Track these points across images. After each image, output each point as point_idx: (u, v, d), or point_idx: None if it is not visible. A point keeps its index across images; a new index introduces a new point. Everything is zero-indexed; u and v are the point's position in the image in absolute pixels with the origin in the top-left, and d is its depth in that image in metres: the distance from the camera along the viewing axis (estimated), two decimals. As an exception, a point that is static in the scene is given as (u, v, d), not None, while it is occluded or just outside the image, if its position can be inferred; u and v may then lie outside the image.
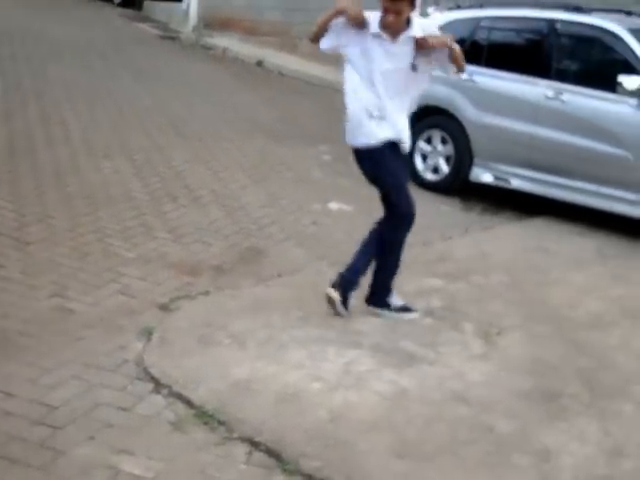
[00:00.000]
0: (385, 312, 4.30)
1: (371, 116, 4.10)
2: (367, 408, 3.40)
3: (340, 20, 4.07)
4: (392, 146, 4.17)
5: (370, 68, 4.07)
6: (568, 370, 3.92)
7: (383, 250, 4.26)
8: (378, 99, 4.09)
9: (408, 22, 4.07)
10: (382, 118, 4.11)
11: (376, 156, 4.15)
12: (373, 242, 4.28)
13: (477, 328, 4.28)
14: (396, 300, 4.34)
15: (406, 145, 4.25)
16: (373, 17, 4.08)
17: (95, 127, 7.81)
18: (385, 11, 4.01)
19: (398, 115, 4.17)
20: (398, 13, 3.99)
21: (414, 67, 4.12)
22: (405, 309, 4.34)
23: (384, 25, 4.04)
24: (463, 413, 3.42)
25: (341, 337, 4.01)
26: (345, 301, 4.21)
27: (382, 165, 4.15)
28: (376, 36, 4.06)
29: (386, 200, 4.23)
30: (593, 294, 4.98)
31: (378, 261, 4.30)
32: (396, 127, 4.16)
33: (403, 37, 4.08)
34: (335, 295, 4.19)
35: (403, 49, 4.10)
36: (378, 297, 4.33)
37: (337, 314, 4.20)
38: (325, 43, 4.15)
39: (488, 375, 3.81)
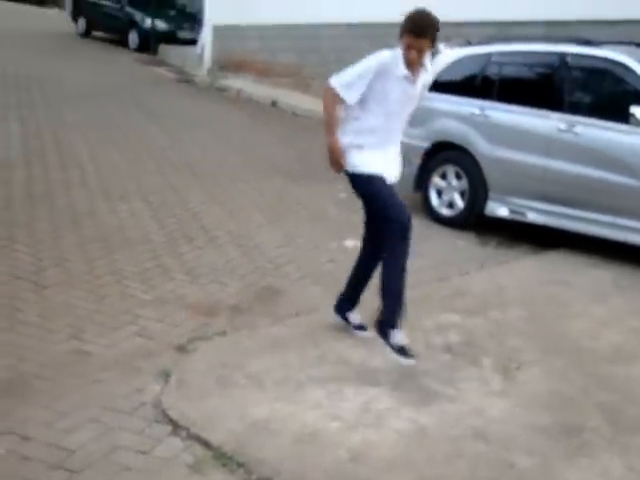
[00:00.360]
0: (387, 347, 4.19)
1: (372, 148, 4.19)
2: (386, 446, 3.37)
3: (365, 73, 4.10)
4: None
5: (388, 110, 4.13)
6: (589, 404, 3.87)
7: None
8: (386, 136, 4.21)
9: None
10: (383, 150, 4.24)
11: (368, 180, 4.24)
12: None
13: (496, 363, 4.25)
14: (400, 338, 4.15)
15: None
16: (393, 56, 4.09)
17: (111, 170, 7.90)
18: (408, 48, 4.04)
19: (395, 146, 4.32)
20: (421, 50, 4.04)
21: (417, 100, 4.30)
22: (402, 350, 4.13)
23: (408, 63, 4.06)
24: (483, 450, 3.38)
25: (359, 375, 3.99)
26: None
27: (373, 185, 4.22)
28: (403, 78, 4.10)
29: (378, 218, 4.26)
30: (612, 326, 4.93)
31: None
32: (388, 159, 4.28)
33: (420, 76, 4.16)
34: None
35: (417, 87, 4.20)
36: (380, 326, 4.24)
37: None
38: (353, 98, 4.13)
39: (507, 411, 3.77)
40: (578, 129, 6.45)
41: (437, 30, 4.04)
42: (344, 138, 4.20)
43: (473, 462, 3.29)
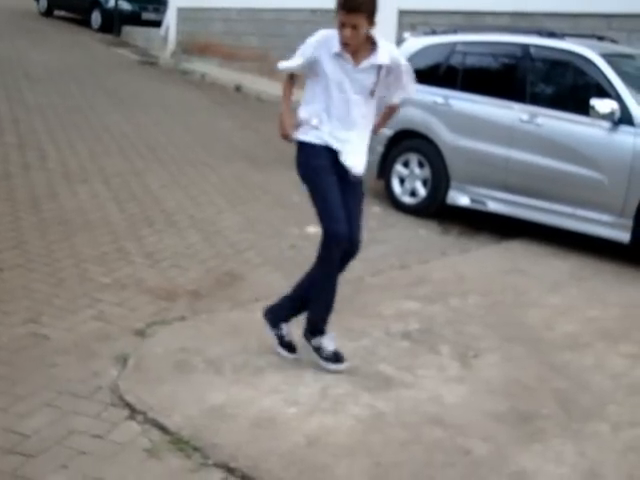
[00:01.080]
0: (311, 353, 3.99)
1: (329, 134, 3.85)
2: (344, 432, 3.38)
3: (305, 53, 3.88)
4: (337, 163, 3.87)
5: (334, 93, 3.80)
6: (544, 391, 3.92)
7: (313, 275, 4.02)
8: (342, 124, 3.84)
9: (373, 45, 3.80)
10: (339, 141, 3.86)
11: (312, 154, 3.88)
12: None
13: (454, 350, 4.29)
14: (329, 344, 3.97)
15: (356, 170, 3.92)
16: (330, 35, 3.81)
17: (72, 152, 7.80)
18: (342, 25, 3.70)
19: (356, 144, 3.90)
20: (355, 27, 3.67)
21: (372, 93, 3.86)
22: (334, 355, 3.95)
23: (343, 42, 3.73)
24: (439, 436, 3.41)
25: (317, 361, 3.99)
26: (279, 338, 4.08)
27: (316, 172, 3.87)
28: (337, 56, 3.78)
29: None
30: (569, 315, 5.00)
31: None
32: (346, 152, 3.87)
33: (367, 63, 3.80)
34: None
35: (365, 76, 3.82)
36: (307, 331, 4.03)
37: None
38: (289, 65, 3.98)
39: (464, 397, 3.81)
40: (540, 120, 6.51)
41: (374, 4, 3.69)
42: (300, 113, 3.93)
43: (430, 448, 3.32)
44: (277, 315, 4.08)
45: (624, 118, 6.08)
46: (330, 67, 3.80)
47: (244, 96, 12.97)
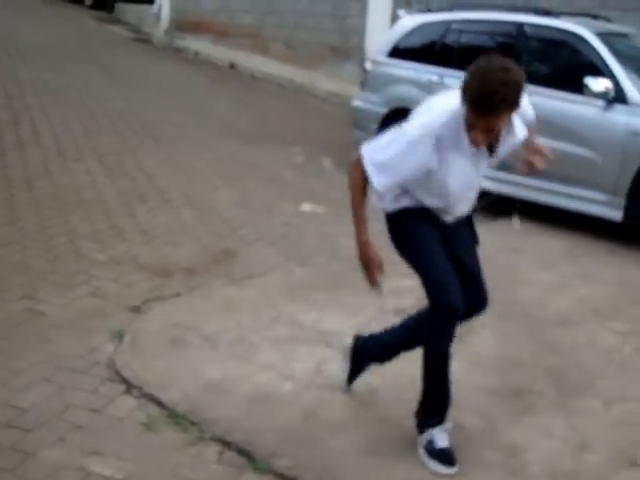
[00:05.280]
0: (419, 447, 3.13)
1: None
2: (338, 407, 3.42)
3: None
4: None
5: (442, 186, 2.96)
6: (536, 367, 3.97)
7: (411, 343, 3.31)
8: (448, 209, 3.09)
9: None
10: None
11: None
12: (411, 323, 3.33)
13: (447, 327, 4.31)
14: (440, 439, 3.10)
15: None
16: (452, 121, 2.83)
17: (66, 129, 7.77)
18: (472, 127, 2.80)
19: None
20: (491, 130, 2.79)
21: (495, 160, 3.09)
22: (442, 456, 3.06)
23: (472, 142, 2.85)
24: (433, 411, 3.45)
25: (312, 337, 4.03)
26: (352, 374, 3.47)
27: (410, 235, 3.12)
28: (469, 154, 2.90)
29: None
30: (562, 293, 5.04)
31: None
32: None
33: (504, 147, 3.03)
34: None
35: (496, 155, 3.03)
36: (417, 418, 3.21)
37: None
38: (383, 185, 2.94)
39: (458, 373, 3.82)
40: (534, 98, 6.49)
41: (519, 90, 2.74)
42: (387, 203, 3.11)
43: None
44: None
45: (618, 97, 6.09)
46: (453, 166, 2.89)
47: (238, 73, 12.92)
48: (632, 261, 5.80)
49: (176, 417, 3.23)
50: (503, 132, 2.94)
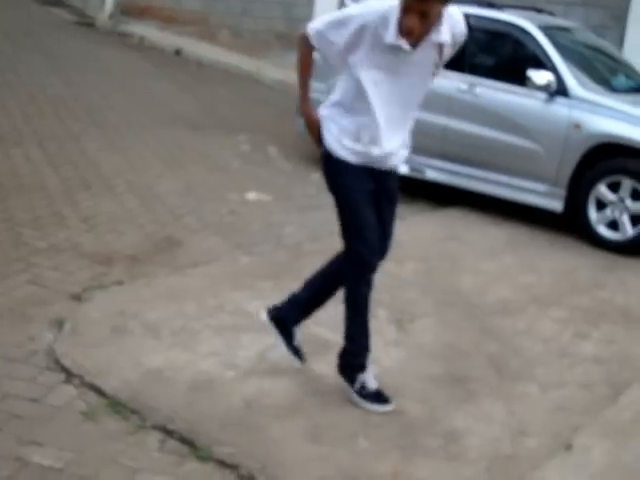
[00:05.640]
0: (349, 391, 3.42)
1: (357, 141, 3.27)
2: (281, 395, 3.43)
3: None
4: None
5: (376, 90, 3.15)
6: (477, 355, 4.03)
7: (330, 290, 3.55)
8: (375, 126, 3.24)
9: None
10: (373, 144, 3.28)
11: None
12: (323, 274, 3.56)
13: (391, 315, 4.36)
14: (370, 382, 3.41)
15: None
16: (384, 14, 3.01)
17: (5, 114, 7.60)
18: (406, 11, 2.93)
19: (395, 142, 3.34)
20: (425, 15, 2.92)
21: (432, 75, 3.25)
22: (378, 395, 3.38)
23: (404, 31, 2.98)
24: (375, 398, 3.48)
25: (255, 325, 4.01)
26: (286, 336, 3.56)
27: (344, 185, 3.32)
28: (391, 48, 3.04)
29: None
30: (503, 282, 5.13)
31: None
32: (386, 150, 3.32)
33: (427, 42, 3.09)
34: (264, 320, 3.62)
35: (424, 56, 3.13)
36: (341, 365, 3.48)
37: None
38: (321, 42, 3.22)
39: (400, 361, 3.89)
40: (478, 90, 6.59)
41: None
42: (324, 109, 3.34)
43: (365, 410, 3.38)
44: (285, 319, 3.57)
45: (560, 89, 6.20)
46: (378, 57, 3.09)
47: (184, 60, 12.76)
48: (571, 251, 5.93)
49: (117, 406, 3.20)
50: (432, 31, 3.06)
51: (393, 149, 3.36)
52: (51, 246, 4.78)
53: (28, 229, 4.97)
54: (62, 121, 7.73)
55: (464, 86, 6.63)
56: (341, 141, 3.29)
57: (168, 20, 14.63)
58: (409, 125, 3.42)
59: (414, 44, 3.06)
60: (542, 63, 6.33)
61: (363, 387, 3.39)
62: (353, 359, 3.43)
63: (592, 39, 7.58)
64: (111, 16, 14.97)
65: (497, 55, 7.03)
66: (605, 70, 7.11)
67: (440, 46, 3.14)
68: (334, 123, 3.31)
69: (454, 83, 6.67)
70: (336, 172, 3.33)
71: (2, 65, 9.79)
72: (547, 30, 6.60)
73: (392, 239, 3.54)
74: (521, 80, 6.31)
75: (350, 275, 3.34)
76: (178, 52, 13.03)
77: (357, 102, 3.21)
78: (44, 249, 4.72)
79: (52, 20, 14.60)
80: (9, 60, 10.23)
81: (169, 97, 9.75)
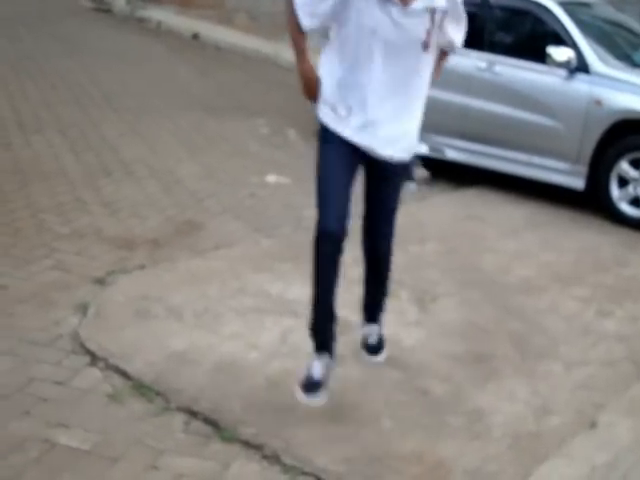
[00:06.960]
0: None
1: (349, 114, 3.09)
2: (304, 375, 3.43)
3: None
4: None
5: (360, 49, 2.99)
6: (499, 334, 4.02)
7: None
8: (376, 91, 3.04)
9: None
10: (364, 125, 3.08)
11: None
12: None
13: (412, 295, 4.36)
14: (315, 369, 3.21)
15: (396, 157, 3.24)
16: None
17: (26, 101, 7.64)
18: None
19: (395, 122, 3.12)
20: None
21: (425, 46, 3.00)
22: (306, 384, 3.17)
23: None
24: (398, 377, 3.49)
25: (277, 307, 4.04)
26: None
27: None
28: (382, 3, 2.92)
29: None
30: (524, 260, 5.10)
31: None
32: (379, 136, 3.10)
33: (419, 3, 2.94)
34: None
35: (415, 20, 2.97)
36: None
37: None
38: (307, 22, 3.05)
39: (422, 340, 3.89)
40: (497, 68, 6.54)
41: None
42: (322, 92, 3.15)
43: (389, 389, 3.40)
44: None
45: (580, 66, 6.14)
46: (366, 12, 2.93)
47: (201, 44, 12.75)
48: (593, 229, 5.89)
49: (142, 388, 3.23)
50: (438, 16, 2.97)
51: (388, 130, 3.10)
52: (74, 231, 4.81)
53: (51, 215, 5.01)
54: (81, 107, 7.76)
55: (483, 64, 6.58)
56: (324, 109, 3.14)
57: (185, 4, 14.60)
58: (411, 111, 3.17)
59: (405, 2, 2.91)
60: (562, 39, 6.26)
61: (306, 369, 3.20)
62: (311, 336, 3.26)
63: (612, 14, 7.48)
64: (128, 1, 14.97)
65: (516, 32, 6.95)
66: (626, 45, 7.01)
67: (433, 11, 2.96)
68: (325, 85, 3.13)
69: (473, 61, 6.62)
70: (322, 138, 3.17)
71: (21, 52, 9.84)
72: (567, 6, 6.52)
73: (391, 222, 3.51)
74: (541, 57, 6.24)
75: (313, 242, 3.13)
76: (195, 36, 13.02)
77: (345, 62, 3.04)
78: (67, 235, 4.76)
79: (69, 6, 14.61)
80: (27, 47, 10.27)
81: (187, 81, 9.75)
